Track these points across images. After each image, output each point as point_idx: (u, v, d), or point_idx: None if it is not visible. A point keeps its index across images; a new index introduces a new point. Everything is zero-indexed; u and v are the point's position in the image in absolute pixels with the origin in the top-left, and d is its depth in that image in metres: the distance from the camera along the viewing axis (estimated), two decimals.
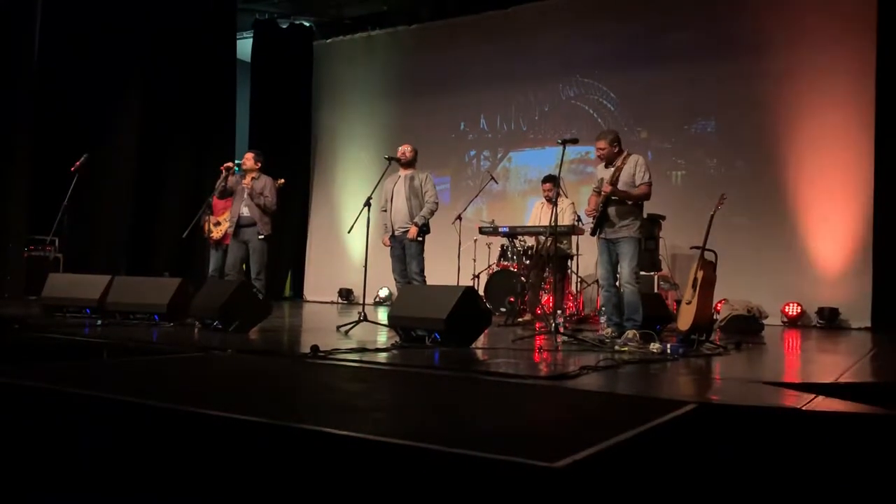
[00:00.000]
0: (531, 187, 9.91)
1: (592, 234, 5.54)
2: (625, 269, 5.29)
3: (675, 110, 9.15)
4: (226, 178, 6.82)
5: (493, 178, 8.73)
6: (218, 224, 7.39)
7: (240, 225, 6.70)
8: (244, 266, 6.79)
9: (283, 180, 7.04)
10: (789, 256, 8.31)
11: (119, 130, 9.56)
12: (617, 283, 5.41)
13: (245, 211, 6.69)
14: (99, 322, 5.70)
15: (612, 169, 5.37)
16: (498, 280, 7.80)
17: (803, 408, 2.69)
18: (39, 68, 8.73)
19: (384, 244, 6.51)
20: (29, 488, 2.35)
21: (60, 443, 2.42)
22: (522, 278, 7.48)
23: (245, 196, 6.71)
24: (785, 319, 8.21)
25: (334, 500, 1.92)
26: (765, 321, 7.04)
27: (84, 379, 3.00)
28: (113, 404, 2.43)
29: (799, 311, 8.17)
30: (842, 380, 3.67)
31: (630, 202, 5.34)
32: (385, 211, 6.50)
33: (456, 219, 8.03)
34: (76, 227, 8.24)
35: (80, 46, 9.07)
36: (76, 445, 2.39)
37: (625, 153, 5.43)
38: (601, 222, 5.38)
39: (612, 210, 5.33)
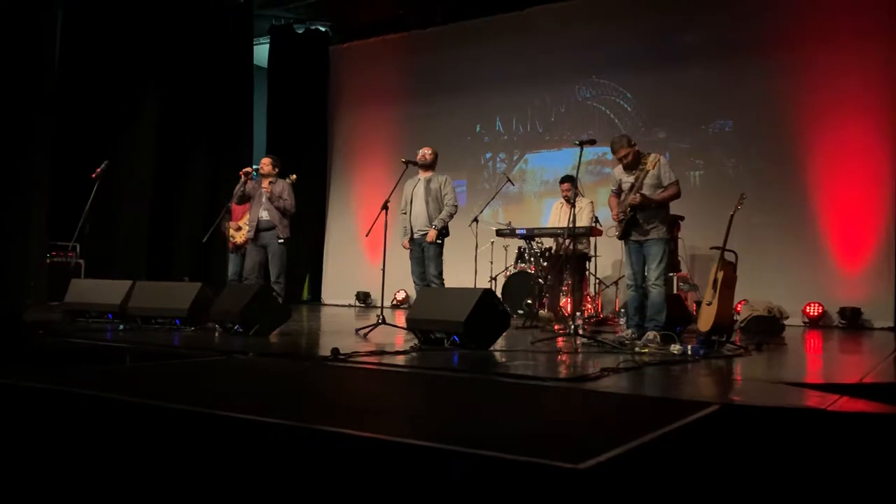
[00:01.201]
0: (547, 189, 9.89)
1: (621, 238, 5.48)
2: (653, 270, 5.25)
3: (692, 110, 9.08)
4: (244, 183, 6.86)
5: (509, 180, 8.73)
6: (239, 229, 7.45)
7: (259, 229, 6.72)
8: (263, 270, 6.81)
9: (294, 176, 7.00)
10: (810, 256, 8.21)
11: (138, 136, 9.65)
12: (644, 284, 5.36)
13: (264, 215, 6.72)
14: (121, 327, 5.77)
15: (636, 173, 5.29)
16: (516, 282, 7.78)
17: (828, 408, 2.66)
18: (58, 75, 8.83)
19: (404, 247, 6.52)
20: (42, 489, 2.38)
21: (78, 446, 2.44)
22: (540, 280, 7.46)
23: (264, 200, 6.73)
24: (806, 320, 8.11)
25: (357, 501, 1.92)
26: (786, 322, 6.96)
27: (106, 383, 3.03)
28: (136, 408, 2.46)
29: (820, 311, 8.08)
30: (866, 380, 3.63)
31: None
32: (405, 214, 6.52)
33: (473, 221, 8.04)
34: (97, 233, 8.33)
35: (98, 53, 9.17)
36: (95, 448, 2.41)
37: (643, 154, 5.39)
38: (630, 228, 5.34)
39: (641, 215, 5.28)
